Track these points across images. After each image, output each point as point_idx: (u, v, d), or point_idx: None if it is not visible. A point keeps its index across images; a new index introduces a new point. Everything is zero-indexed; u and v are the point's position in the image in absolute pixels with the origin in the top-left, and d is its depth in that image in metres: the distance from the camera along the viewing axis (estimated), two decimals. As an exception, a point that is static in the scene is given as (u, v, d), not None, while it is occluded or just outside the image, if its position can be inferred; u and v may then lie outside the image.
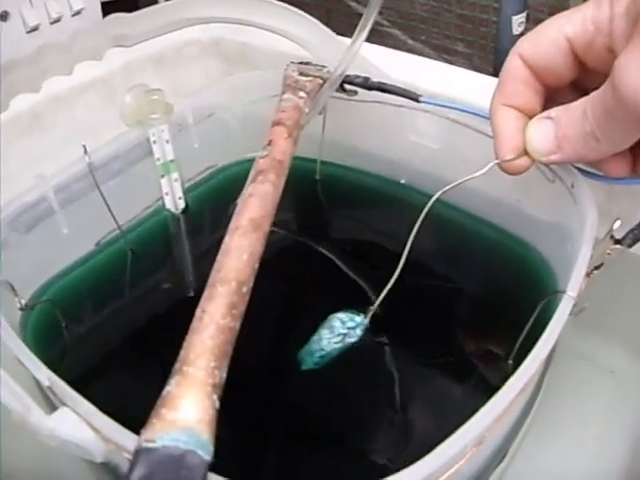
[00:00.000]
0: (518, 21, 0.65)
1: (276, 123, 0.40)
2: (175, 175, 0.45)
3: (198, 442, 0.24)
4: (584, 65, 0.30)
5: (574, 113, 0.29)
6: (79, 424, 0.27)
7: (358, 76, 0.44)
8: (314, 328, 0.41)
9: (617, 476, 0.37)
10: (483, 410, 0.26)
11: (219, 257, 0.31)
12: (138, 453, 0.24)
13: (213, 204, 0.48)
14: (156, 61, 0.56)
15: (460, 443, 0.25)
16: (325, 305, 0.42)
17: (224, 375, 0.27)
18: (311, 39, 0.46)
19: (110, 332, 0.40)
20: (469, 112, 0.39)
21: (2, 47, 0.52)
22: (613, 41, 0.27)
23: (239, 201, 0.46)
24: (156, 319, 0.41)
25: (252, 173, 0.36)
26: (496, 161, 0.33)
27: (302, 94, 0.42)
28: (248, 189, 0.35)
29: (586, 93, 0.29)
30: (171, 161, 0.44)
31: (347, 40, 0.47)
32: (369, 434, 0.35)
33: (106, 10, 0.59)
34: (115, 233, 0.43)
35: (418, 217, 0.46)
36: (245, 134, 0.48)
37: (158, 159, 0.44)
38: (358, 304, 0.41)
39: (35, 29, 0.53)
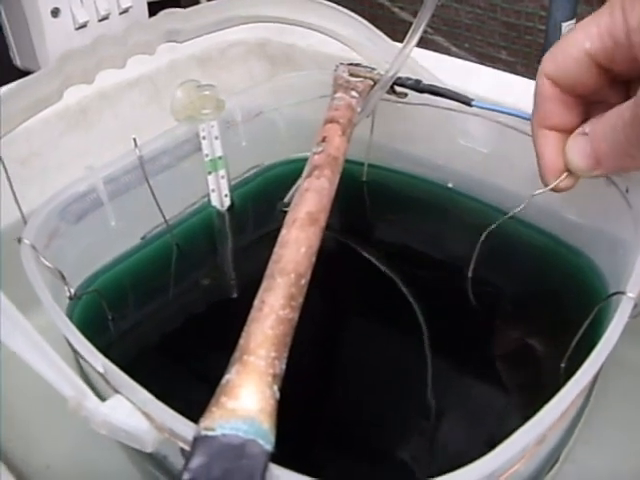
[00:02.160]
0: (567, 27, 0.65)
1: (329, 121, 0.39)
2: (222, 172, 0.45)
3: (259, 431, 0.23)
4: (612, 71, 0.30)
5: (606, 125, 0.29)
6: (133, 412, 0.27)
7: (409, 78, 0.43)
8: (351, 330, 0.41)
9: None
10: (546, 409, 0.25)
11: (277, 249, 0.31)
12: (197, 441, 0.24)
13: (258, 203, 0.48)
14: (201, 61, 0.56)
15: (522, 441, 0.24)
16: (364, 308, 0.42)
17: (283, 367, 0.26)
18: (361, 40, 0.46)
19: (155, 325, 0.40)
20: (521, 117, 0.39)
21: (51, 43, 0.53)
22: (635, 52, 0.27)
23: (288, 199, 0.47)
24: (200, 313, 0.41)
25: (307, 168, 0.36)
26: (541, 191, 0.34)
27: (354, 94, 0.42)
28: (304, 184, 0.34)
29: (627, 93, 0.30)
30: (219, 158, 0.44)
31: (396, 43, 0.47)
32: (424, 430, 0.34)
33: (152, 9, 0.60)
34: (161, 228, 0.43)
35: (464, 222, 0.46)
36: (291, 134, 0.49)
37: (207, 155, 0.44)
38: (398, 308, 0.41)
39: (84, 26, 0.54)
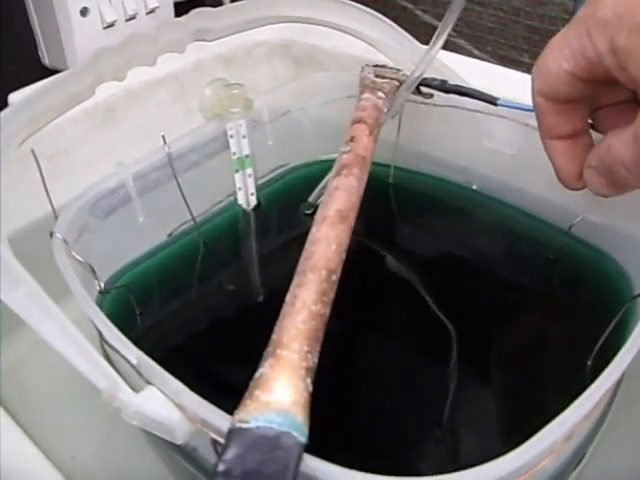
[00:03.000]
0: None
1: (357, 121, 0.40)
2: (249, 171, 0.45)
3: (293, 424, 0.24)
4: (597, 81, 0.30)
5: (607, 161, 0.29)
6: (165, 403, 0.27)
7: (435, 79, 0.44)
8: (375, 330, 0.41)
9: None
10: (573, 406, 0.25)
11: (307, 246, 0.31)
12: (231, 433, 0.24)
13: (283, 203, 0.48)
14: (227, 60, 0.56)
15: (550, 437, 0.24)
16: (386, 310, 0.42)
17: (316, 360, 0.27)
18: (387, 42, 0.46)
19: (182, 321, 0.40)
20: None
21: (80, 42, 0.54)
22: (613, 72, 0.27)
23: (312, 200, 0.47)
24: (226, 310, 0.42)
25: (336, 167, 0.36)
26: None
27: (380, 94, 0.43)
28: (333, 182, 0.35)
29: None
30: (246, 156, 0.44)
31: (421, 45, 0.47)
32: (451, 425, 0.34)
33: (178, 10, 0.61)
34: (188, 225, 0.44)
35: (488, 223, 0.47)
36: (317, 135, 0.49)
37: (234, 153, 0.44)
38: (419, 311, 0.41)
39: (111, 25, 0.55)
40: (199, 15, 0.42)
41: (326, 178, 0.45)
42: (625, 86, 0.28)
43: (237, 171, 0.45)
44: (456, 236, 0.47)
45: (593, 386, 0.26)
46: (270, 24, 0.46)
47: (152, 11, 0.56)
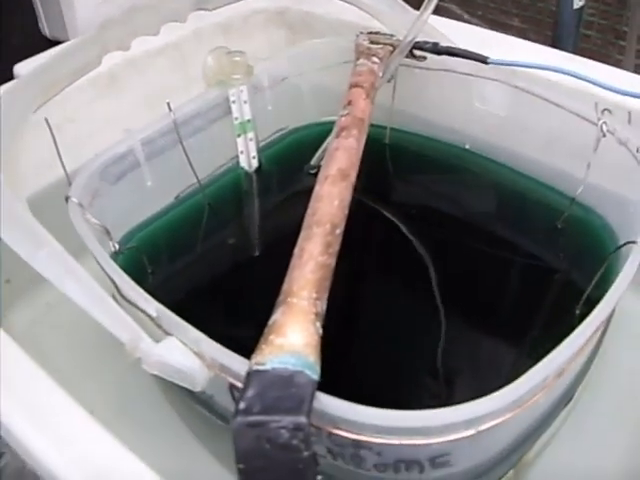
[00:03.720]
0: (579, -4, 0.66)
1: (354, 85, 0.41)
2: (251, 135, 0.47)
3: (305, 364, 0.26)
4: None
5: None
6: (186, 352, 0.29)
7: (427, 42, 0.45)
8: (372, 282, 0.43)
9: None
10: (564, 343, 0.28)
11: (312, 203, 0.33)
12: (250, 375, 0.26)
13: (284, 165, 0.50)
14: (225, 29, 0.57)
15: (544, 372, 0.27)
16: (384, 262, 0.44)
17: (324, 307, 0.29)
18: (381, 8, 0.48)
19: (191, 278, 0.43)
20: (538, 67, 0.41)
21: (80, 13, 0.55)
22: None
23: (315, 162, 0.49)
24: (234, 266, 0.44)
25: (335, 130, 0.38)
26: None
27: (375, 59, 0.44)
28: (333, 143, 0.37)
29: None
30: (248, 121, 0.46)
31: (413, 10, 0.49)
32: (450, 365, 0.37)
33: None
34: (193, 188, 0.46)
35: (480, 181, 0.49)
36: (315, 99, 0.51)
37: (236, 118, 0.46)
38: (414, 266, 0.43)
39: (108, -1, 0.56)
40: (198, -15, 0.44)
41: (327, 140, 0.47)
42: None
43: (239, 135, 0.47)
44: (449, 192, 0.49)
45: (581, 326, 0.28)
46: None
47: (148, -19, 0.57)
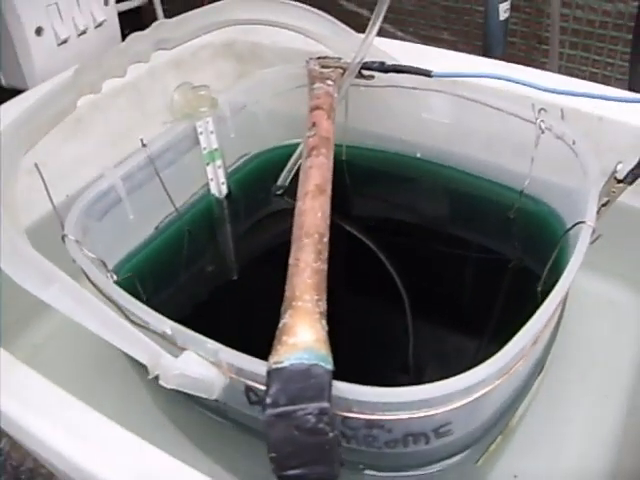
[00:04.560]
0: (504, 8, 0.71)
1: (314, 108, 0.45)
2: (219, 162, 0.50)
3: (318, 357, 0.29)
4: None
5: None
6: (203, 363, 0.32)
7: (374, 62, 0.49)
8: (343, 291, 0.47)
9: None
10: (538, 313, 0.32)
11: (297, 217, 0.36)
12: (270, 373, 0.29)
13: (251, 188, 0.53)
14: (176, 65, 0.60)
15: (522, 342, 0.31)
16: (350, 273, 0.48)
17: (325, 306, 0.32)
18: (327, 34, 0.52)
19: (185, 300, 0.45)
20: (477, 76, 0.46)
21: (37, 60, 0.57)
22: None
23: (280, 183, 0.52)
24: (220, 285, 0.47)
25: (305, 150, 0.41)
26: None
27: (329, 82, 0.48)
28: (306, 162, 0.40)
29: None
30: (215, 149, 0.49)
31: (356, 34, 0.53)
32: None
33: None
34: (170, 217, 0.48)
35: (433, 186, 0.53)
36: (272, 124, 0.54)
37: (204, 148, 0.49)
38: (377, 274, 0.47)
39: (65, 42, 0.58)
40: (161, 26, 0.47)
41: (290, 163, 0.51)
42: None
43: (208, 164, 0.50)
44: (404, 200, 0.53)
45: (549, 298, 0.33)
46: (220, 28, 0.51)
47: (100, 24, 0.60)
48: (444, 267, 0.48)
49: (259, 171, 0.54)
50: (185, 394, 0.32)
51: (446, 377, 0.29)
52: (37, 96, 0.42)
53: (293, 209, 0.52)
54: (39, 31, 0.55)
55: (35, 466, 0.50)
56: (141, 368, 0.41)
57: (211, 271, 0.48)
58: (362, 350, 0.42)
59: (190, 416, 0.42)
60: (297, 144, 0.53)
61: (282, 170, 0.52)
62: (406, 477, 0.37)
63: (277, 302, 0.43)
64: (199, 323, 0.43)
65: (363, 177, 0.54)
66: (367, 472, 0.36)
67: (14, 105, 0.53)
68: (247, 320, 0.44)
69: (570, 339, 0.44)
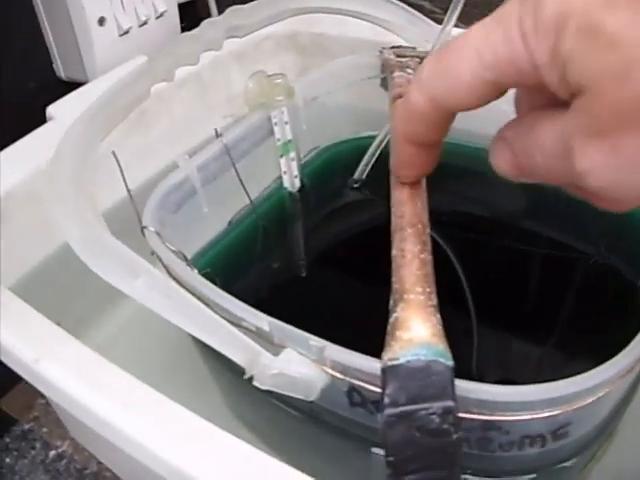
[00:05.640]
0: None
1: (397, 97, 0.43)
2: (292, 155, 0.48)
3: (437, 352, 0.27)
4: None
5: (519, 138, 0.25)
6: (305, 361, 0.30)
7: (453, 52, 0.48)
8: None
9: None
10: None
11: (397, 207, 0.34)
12: (386, 371, 0.27)
13: (324, 182, 0.51)
14: (238, 57, 0.59)
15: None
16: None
17: (436, 300, 0.30)
18: (401, 23, 0.50)
19: (263, 296, 0.44)
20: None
21: (99, 51, 0.56)
22: (550, 86, 0.21)
23: (357, 176, 0.51)
24: (300, 281, 0.45)
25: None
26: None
27: (409, 71, 0.46)
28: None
29: None
30: (289, 141, 0.48)
31: (432, 23, 0.51)
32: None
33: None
34: (244, 211, 0.47)
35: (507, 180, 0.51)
36: (343, 116, 0.52)
37: (278, 139, 0.47)
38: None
39: (127, 32, 0.57)
40: (234, 13, 0.45)
41: (367, 155, 0.49)
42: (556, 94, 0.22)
43: (282, 156, 0.48)
44: (478, 194, 0.51)
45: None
46: (291, 16, 0.49)
47: (161, 15, 0.58)
48: (521, 262, 0.46)
49: (331, 164, 0.53)
50: (274, 396, 0.30)
51: (551, 377, 0.27)
52: (100, 88, 0.40)
53: (368, 202, 0.51)
54: (102, 21, 0.54)
55: (99, 469, 0.49)
56: (220, 368, 0.39)
57: (288, 267, 0.46)
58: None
59: (267, 417, 0.41)
60: (369, 137, 0.51)
61: (355, 163, 0.50)
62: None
63: (364, 296, 0.41)
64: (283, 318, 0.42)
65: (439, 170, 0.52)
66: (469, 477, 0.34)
67: (76, 97, 0.51)
68: (335, 316, 0.42)
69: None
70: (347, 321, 0.42)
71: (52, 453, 0.50)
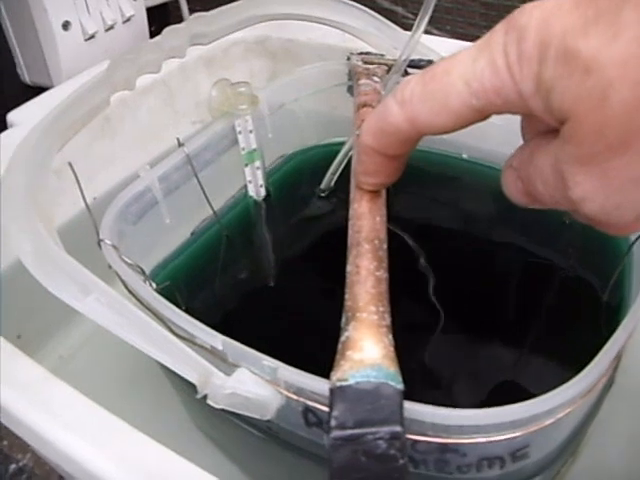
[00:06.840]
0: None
1: (362, 105, 0.43)
2: (257, 163, 0.47)
3: (387, 375, 0.26)
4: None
5: (523, 166, 0.24)
6: (258, 381, 0.30)
7: (422, 60, 0.47)
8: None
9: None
10: (621, 327, 0.29)
11: (354, 221, 0.34)
12: (334, 392, 0.26)
13: (290, 191, 0.51)
14: (207, 62, 0.58)
15: (609, 356, 0.28)
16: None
17: (390, 320, 0.29)
18: (370, 30, 0.49)
19: (224, 310, 0.43)
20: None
21: (64, 56, 0.55)
22: (538, 114, 0.21)
23: (324, 186, 0.50)
24: (259, 294, 0.44)
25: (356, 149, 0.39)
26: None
27: (376, 79, 0.46)
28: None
29: None
30: (254, 150, 0.47)
31: (401, 30, 0.51)
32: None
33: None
34: (207, 222, 0.46)
35: (476, 187, 0.50)
36: (310, 123, 0.52)
37: (243, 148, 0.46)
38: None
39: (92, 37, 0.56)
40: (198, 20, 0.44)
41: (334, 163, 0.48)
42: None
43: (246, 165, 0.47)
44: (450, 200, 0.50)
45: (632, 309, 0.30)
46: (257, 23, 0.48)
47: (128, 19, 0.57)
48: (492, 273, 0.45)
49: (298, 172, 0.52)
50: (232, 413, 0.30)
51: (514, 395, 0.27)
52: (63, 94, 0.39)
53: (335, 211, 0.50)
54: (66, 25, 0.53)
55: (61, 483, 0.48)
56: (179, 383, 0.39)
57: (251, 278, 0.45)
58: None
59: (228, 433, 0.40)
60: (336, 143, 0.51)
61: (322, 171, 0.49)
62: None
63: (324, 312, 0.41)
64: (239, 336, 0.41)
65: (409, 177, 0.52)
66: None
67: (38, 103, 0.51)
68: (298, 330, 0.41)
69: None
70: (310, 334, 0.41)
71: (12, 467, 0.49)
